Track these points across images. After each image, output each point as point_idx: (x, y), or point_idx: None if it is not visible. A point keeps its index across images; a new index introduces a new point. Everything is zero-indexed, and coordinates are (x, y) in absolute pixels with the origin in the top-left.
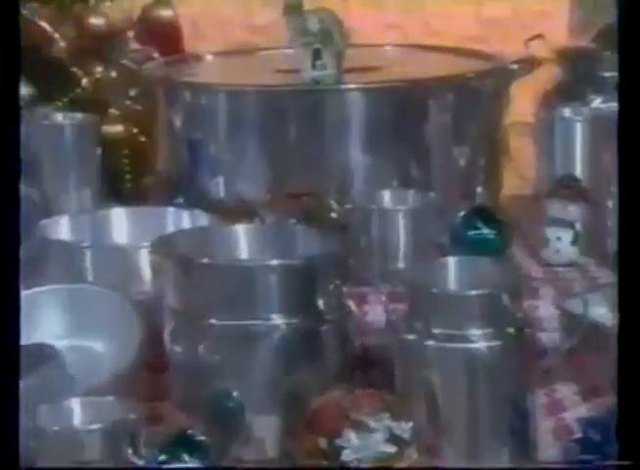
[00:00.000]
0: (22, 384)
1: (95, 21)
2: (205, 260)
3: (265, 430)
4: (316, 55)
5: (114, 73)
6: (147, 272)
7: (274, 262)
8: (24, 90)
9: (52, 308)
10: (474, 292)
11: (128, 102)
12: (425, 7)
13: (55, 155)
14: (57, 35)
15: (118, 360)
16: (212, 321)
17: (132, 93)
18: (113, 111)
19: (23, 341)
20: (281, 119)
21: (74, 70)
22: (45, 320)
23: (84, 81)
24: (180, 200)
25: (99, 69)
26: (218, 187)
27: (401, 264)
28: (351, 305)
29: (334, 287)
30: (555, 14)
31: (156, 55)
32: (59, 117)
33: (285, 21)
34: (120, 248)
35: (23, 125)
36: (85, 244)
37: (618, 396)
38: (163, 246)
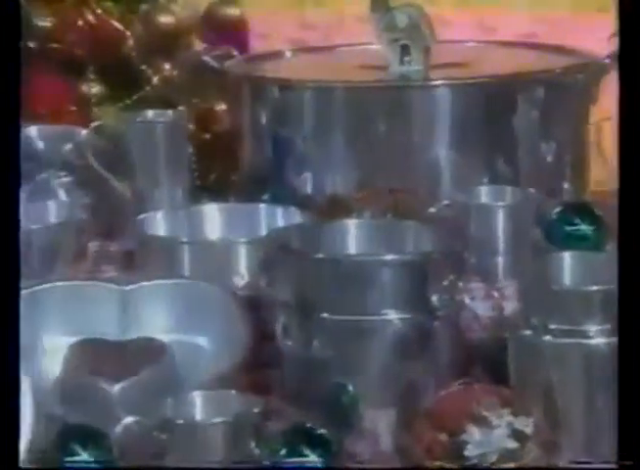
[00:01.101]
0: (134, 377)
1: (164, 19)
2: (321, 255)
3: (380, 424)
4: (404, 51)
5: (184, 71)
6: (246, 267)
7: (389, 257)
8: (95, 89)
9: (157, 303)
10: (594, 287)
11: (196, 100)
12: (479, 3)
13: (147, 152)
14: (128, 33)
15: (223, 356)
16: (325, 315)
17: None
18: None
19: (131, 335)
20: (368, 116)
21: (144, 68)
22: (150, 314)
23: (154, 80)
24: (267, 196)
25: (167, 66)
26: (306, 183)
27: (500, 260)
28: (465, 299)
29: (448, 282)
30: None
31: (235, 53)
32: (150, 114)
33: (371, 17)
34: (219, 243)
35: (118, 123)
36: (184, 239)
37: (618, 396)
38: (276, 240)
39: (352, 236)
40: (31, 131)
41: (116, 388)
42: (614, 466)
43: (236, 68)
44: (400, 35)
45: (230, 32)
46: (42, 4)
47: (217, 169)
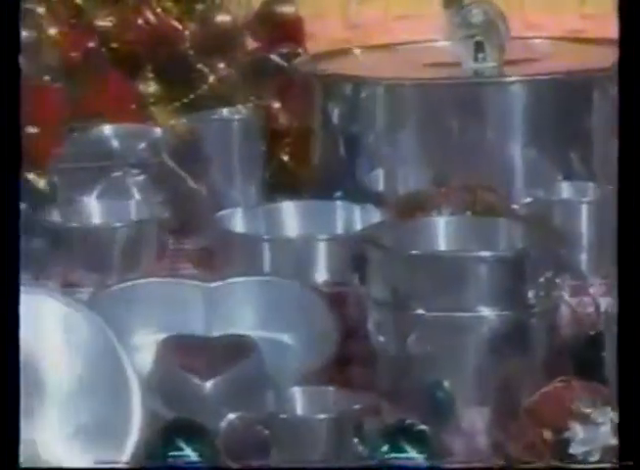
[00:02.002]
0: (227, 373)
1: (221, 18)
2: (418, 252)
3: (476, 421)
4: (478, 47)
5: (242, 70)
6: (326, 264)
7: (486, 254)
8: (153, 88)
9: (242, 300)
10: None
11: (252, 97)
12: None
13: (222, 149)
14: (186, 33)
15: (310, 353)
16: (420, 312)
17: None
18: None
19: (215, 332)
20: (441, 112)
21: (200, 67)
22: (235, 311)
23: (211, 78)
24: (338, 194)
25: (222, 65)
26: (377, 181)
27: (586, 256)
28: (564, 296)
29: (544, 279)
30: None
31: (300, 50)
32: (224, 111)
33: (445, 14)
34: (300, 240)
35: (194, 121)
36: (265, 236)
37: (619, 395)
38: (369, 237)
39: (443, 233)
40: (106, 130)
41: (209, 383)
42: (613, 466)
43: (304, 66)
44: (475, 31)
45: (285, 30)
46: (102, 4)
47: (288, 167)
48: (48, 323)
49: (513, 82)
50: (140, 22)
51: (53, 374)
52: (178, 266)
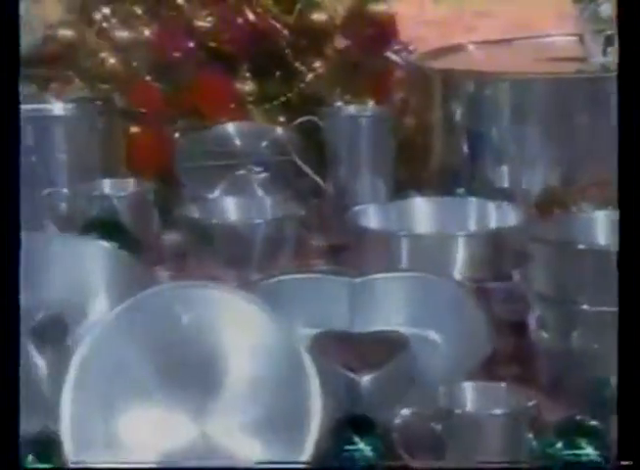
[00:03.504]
0: (383, 368)
1: (317, 15)
2: (583, 246)
3: None
4: (608, 41)
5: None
6: (464, 261)
7: None
8: (250, 86)
9: (387, 296)
10: None
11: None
12: None
13: (350, 145)
14: (285, 31)
15: (459, 350)
16: (585, 307)
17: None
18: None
19: (360, 327)
20: (569, 107)
21: (297, 65)
22: (380, 307)
23: (308, 76)
24: (461, 190)
25: (318, 64)
26: (502, 177)
27: None
28: None
29: None
30: None
31: (412, 47)
32: (351, 108)
33: (575, 8)
34: (437, 236)
35: (322, 118)
36: (403, 232)
37: (619, 395)
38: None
39: (601, 227)
40: (229, 128)
41: (366, 379)
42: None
43: (421, 62)
44: (605, 26)
45: (379, 28)
46: (203, 4)
47: (410, 163)
48: (229, 318)
49: None
50: (240, 21)
51: (235, 369)
52: (312, 263)
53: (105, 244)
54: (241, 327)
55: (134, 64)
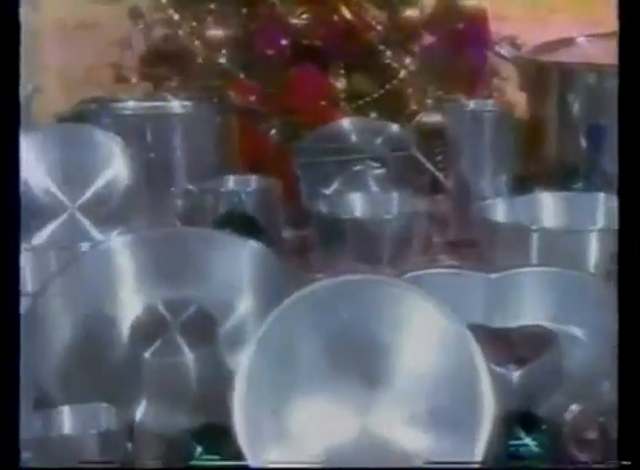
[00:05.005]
0: (533, 364)
1: (410, 12)
2: None
3: None
4: None
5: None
6: (596, 256)
7: None
8: (343, 83)
9: (524, 291)
10: None
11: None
12: None
13: (473, 141)
14: (379, 28)
15: (602, 347)
16: None
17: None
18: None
19: (497, 323)
20: None
21: (390, 61)
22: (518, 303)
23: (401, 73)
24: (579, 185)
25: (408, 60)
26: None
27: None
28: None
29: None
30: None
31: (519, 41)
32: (479, 104)
33: None
34: (570, 231)
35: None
36: (534, 227)
37: (619, 395)
38: None
39: None
40: (344, 124)
41: (516, 374)
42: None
43: (534, 56)
44: None
45: (469, 22)
46: (298, 2)
47: (529, 158)
48: (402, 313)
49: None
50: (335, 18)
51: (404, 364)
52: (438, 258)
53: (253, 242)
54: (414, 322)
55: (227, 62)
